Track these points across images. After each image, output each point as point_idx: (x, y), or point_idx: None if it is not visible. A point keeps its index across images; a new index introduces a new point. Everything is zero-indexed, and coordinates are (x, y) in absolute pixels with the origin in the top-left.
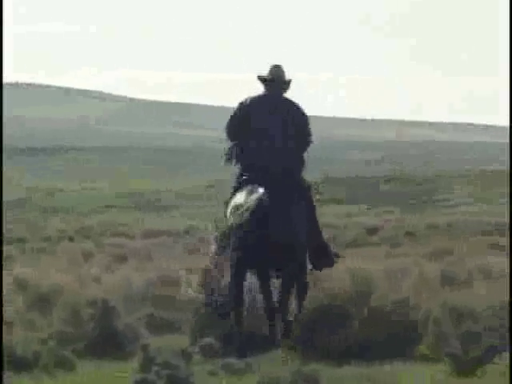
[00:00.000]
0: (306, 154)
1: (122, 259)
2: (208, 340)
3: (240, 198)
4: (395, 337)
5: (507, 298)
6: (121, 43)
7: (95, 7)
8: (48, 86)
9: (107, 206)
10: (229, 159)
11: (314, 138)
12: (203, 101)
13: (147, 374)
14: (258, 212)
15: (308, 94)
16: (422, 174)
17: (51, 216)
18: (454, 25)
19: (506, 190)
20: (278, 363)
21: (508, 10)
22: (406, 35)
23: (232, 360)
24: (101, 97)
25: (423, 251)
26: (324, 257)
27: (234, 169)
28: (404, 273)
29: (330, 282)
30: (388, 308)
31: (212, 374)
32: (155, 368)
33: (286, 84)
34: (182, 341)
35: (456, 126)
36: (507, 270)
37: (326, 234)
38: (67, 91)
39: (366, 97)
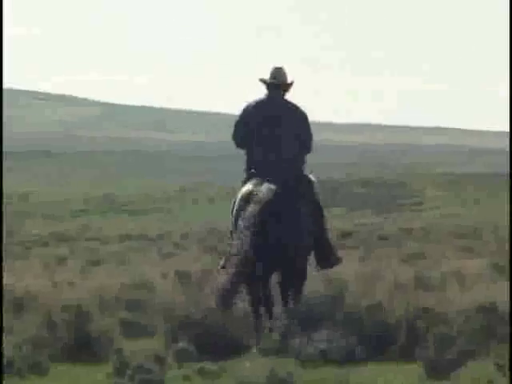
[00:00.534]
0: (306, 152)
1: (96, 263)
2: (182, 344)
3: (248, 187)
4: (369, 340)
5: (480, 301)
6: (95, 47)
7: (70, 10)
8: (23, 91)
9: (81, 211)
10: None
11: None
12: (177, 105)
13: (121, 379)
14: (271, 203)
15: None
16: (396, 178)
17: (26, 220)
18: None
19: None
20: (252, 367)
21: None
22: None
23: (206, 364)
24: (75, 101)
25: (397, 255)
26: (329, 256)
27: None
28: (378, 276)
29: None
30: (362, 311)
31: (186, 378)
32: (129, 372)
33: (287, 86)
34: (156, 345)
35: (428, 131)
36: (482, 272)
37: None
38: (43, 96)
39: (342, 101)
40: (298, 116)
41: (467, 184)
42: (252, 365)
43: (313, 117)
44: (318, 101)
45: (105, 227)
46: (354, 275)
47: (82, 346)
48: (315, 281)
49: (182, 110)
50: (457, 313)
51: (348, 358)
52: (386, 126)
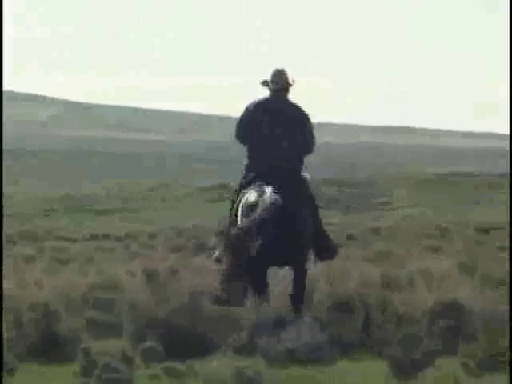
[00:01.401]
0: (308, 153)
1: (64, 263)
2: (149, 343)
3: (251, 197)
4: (336, 340)
5: (447, 301)
6: (60, 46)
7: (38, 10)
8: None
9: (48, 210)
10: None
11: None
12: (146, 105)
13: (88, 378)
14: (274, 210)
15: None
16: (362, 177)
17: None
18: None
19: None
20: (220, 366)
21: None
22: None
23: (174, 363)
24: (41, 100)
25: (364, 254)
26: (326, 248)
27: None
28: (345, 276)
29: (272, 285)
30: (330, 311)
31: (153, 377)
32: (96, 372)
33: (289, 87)
34: (123, 344)
35: (397, 130)
36: (449, 272)
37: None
38: (6, 95)
39: (307, 100)
40: (299, 117)
41: (435, 184)
42: (219, 364)
43: None
44: None
45: (72, 227)
46: (321, 274)
47: (49, 346)
48: (283, 281)
49: (152, 110)
50: (424, 312)
51: (316, 358)
52: (354, 126)
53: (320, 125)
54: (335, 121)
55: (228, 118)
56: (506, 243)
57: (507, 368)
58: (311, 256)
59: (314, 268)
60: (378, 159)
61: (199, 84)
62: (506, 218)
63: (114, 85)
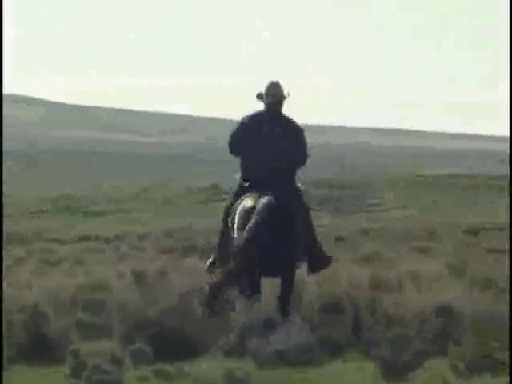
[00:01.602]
0: (300, 166)
1: (53, 264)
2: (138, 345)
3: (248, 202)
4: (325, 341)
5: (437, 303)
6: (43, 46)
7: (25, 10)
8: None
9: (37, 211)
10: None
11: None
12: (135, 106)
13: (78, 380)
14: (270, 215)
15: (234, 99)
16: (352, 179)
17: None
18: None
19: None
20: (209, 368)
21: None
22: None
23: (163, 365)
24: (30, 102)
25: (354, 256)
26: (319, 258)
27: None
28: (334, 277)
29: (262, 286)
30: (319, 312)
31: (143, 379)
32: (86, 373)
33: (283, 100)
34: (112, 346)
35: (385, 132)
36: (438, 273)
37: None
38: None
39: (296, 102)
40: (293, 130)
41: (424, 186)
42: (209, 366)
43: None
44: None
45: (61, 228)
46: (311, 276)
47: (39, 347)
48: (272, 282)
49: (142, 111)
50: (413, 314)
51: (305, 359)
52: (345, 127)
53: (314, 126)
54: (325, 122)
55: (218, 120)
56: (495, 245)
57: (498, 369)
58: (303, 266)
59: (307, 277)
60: (369, 161)
61: (188, 85)
62: (495, 220)
63: (103, 86)
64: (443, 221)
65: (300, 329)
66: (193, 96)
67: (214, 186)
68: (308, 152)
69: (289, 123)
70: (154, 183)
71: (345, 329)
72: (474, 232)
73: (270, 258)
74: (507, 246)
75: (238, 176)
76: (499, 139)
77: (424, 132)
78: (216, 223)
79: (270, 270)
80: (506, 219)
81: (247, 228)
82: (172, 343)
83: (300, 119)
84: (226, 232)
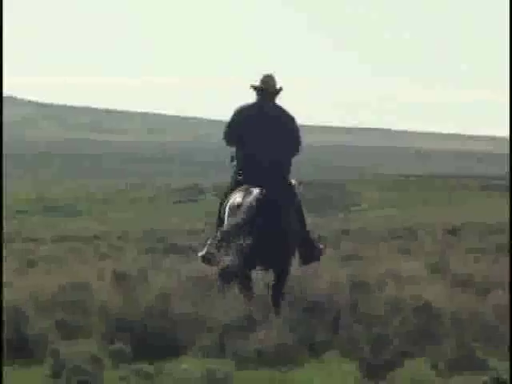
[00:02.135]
0: (294, 155)
1: (33, 264)
2: (118, 345)
3: (238, 197)
4: (305, 341)
5: (417, 302)
6: (31, 48)
7: (4, 9)
8: None
9: (17, 212)
10: (232, 161)
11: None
12: (113, 105)
13: (58, 380)
14: (258, 210)
15: (219, 98)
16: (333, 179)
17: None
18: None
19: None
20: (189, 367)
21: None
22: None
23: (143, 365)
24: (11, 101)
25: (334, 256)
26: (311, 251)
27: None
28: (315, 277)
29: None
30: (299, 312)
31: (123, 379)
32: (66, 374)
33: (276, 92)
34: (92, 346)
35: (365, 132)
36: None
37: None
38: None
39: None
40: (286, 120)
41: (404, 186)
42: (189, 365)
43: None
44: None
45: (41, 228)
46: (291, 276)
47: (19, 348)
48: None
49: (119, 111)
50: (393, 313)
51: (285, 359)
52: (323, 127)
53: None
54: (308, 123)
55: (199, 119)
56: (474, 244)
57: (478, 368)
58: (294, 259)
59: (299, 270)
60: (350, 161)
61: (170, 84)
62: (475, 219)
63: (85, 85)
64: (423, 220)
65: (280, 328)
66: (175, 96)
67: (194, 186)
68: (301, 141)
69: (281, 113)
70: (134, 183)
71: (325, 328)
72: (454, 231)
73: (261, 252)
74: (486, 246)
75: (233, 165)
76: (479, 138)
77: (405, 132)
78: (196, 223)
79: (263, 262)
80: (473, 219)
81: (230, 225)
82: (152, 343)
83: None
84: (220, 225)
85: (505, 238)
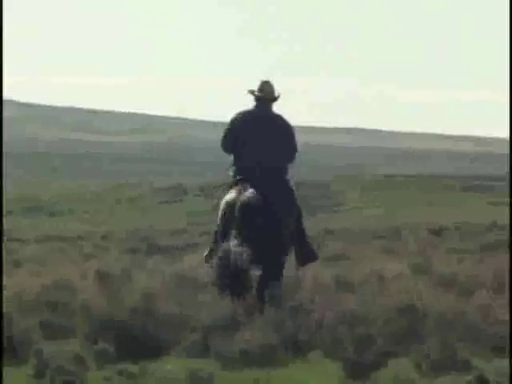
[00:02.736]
0: (290, 162)
1: (17, 264)
2: (102, 345)
3: (231, 195)
4: (290, 341)
5: (401, 303)
6: (18, 48)
7: None
8: None
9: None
10: (230, 168)
11: (298, 147)
12: (102, 105)
13: (41, 380)
14: (251, 207)
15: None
16: (316, 179)
17: None
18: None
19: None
20: (173, 368)
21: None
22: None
23: (127, 365)
24: None
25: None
26: (307, 254)
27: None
28: (298, 277)
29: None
30: (283, 312)
31: (107, 379)
32: (49, 374)
33: (274, 99)
34: (76, 346)
35: (349, 131)
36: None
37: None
38: None
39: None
40: (283, 127)
41: (388, 185)
42: (173, 366)
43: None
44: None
45: (25, 228)
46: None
47: (2, 348)
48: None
49: (106, 111)
50: (377, 313)
51: (269, 359)
52: (306, 127)
53: None
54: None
55: (184, 119)
56: (458, 244)
57: (462, 368)
58: (291, 261)
59: (294, 273)
60: (333, 161)
61: (155, 84)
62: (459, 219)
63: (69, 85)
64: (407, 220)
65: (265, 328)
66: (156, 95)
67: (178, 186)
68: (297, 148)
69: (278, 120)
70: (118, 183)
71: (309, 328)
72: (438, 231)
73: (255, 251)
74: (470, 246)
75: (230, 173)
76: (466, 139)
77: (392, 132)
78: (180, 223)
79: (256, 261)
80: (458, 219)
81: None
82: (136, 343)
83: None
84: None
85: (488, 238)
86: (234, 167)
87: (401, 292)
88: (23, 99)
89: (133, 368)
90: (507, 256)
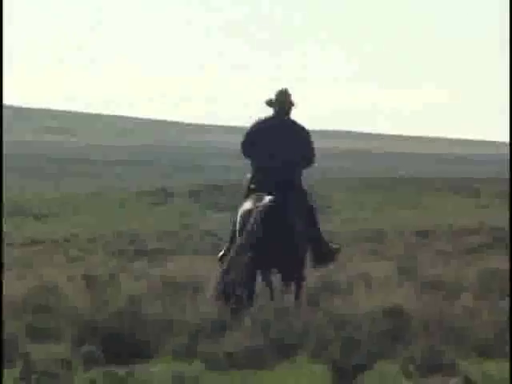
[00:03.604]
0: (308, 166)
1: (3, 267)
2: (89, 348)
3: (248, 204)
4: (276, 344)
5: (387, 304)
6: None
7: None
8: None
9: None
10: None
11: (316, 153)
12: (82, 108)
13: (27, 383)
14: (267, 216)
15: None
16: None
17: None
18: None
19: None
20: (160, 371)
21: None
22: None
23: (113, 368)
24: None
25: None
26: (325, 253)
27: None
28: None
29: (208, 289)
30: (269, 315)
31: (93, 382)
32: (35, 376)
33: (291, 106)
34: (62, 349)
35: (334, 135)
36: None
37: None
38: None
39: (239, 105)
40: (301, 134)
41: (374, 188)
42: (159, 368)
43: (214, 121)
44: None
45: (10, 231)
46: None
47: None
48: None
49: (88, 114)
50: (363, 316)
51: (255, 362)
52: None
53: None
54: None
55: (163, 122)
56: (444, 246)
57: (448, 371)
58: (307, 265)
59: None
60: (319, 163)
61: (133, 87)
62: (444, 221)
63: (47, 87)
64: (393, 222)
65: (251, 331)
66: (141, 98)
67: (164, 189)
68: (315, 154)
69: (296, 127)
70: (103, 186)
71: (295, 331)
72: (424, 233)
73: (269, 258)
74: (456, 247)
75: (248, 176)
76: (453, 141)
77: (369, 134)
78: (166, 226)
79: (272, 265)
80: (456, 221)
81: (244, 234)
82: (122, 346)
83: (245, 121)
84: (233, 231)
85: (474, 240)
86: (251, 170)
87: (387, 294)
88: (8, 102)
89: (119, 371)
90: (493, 258)
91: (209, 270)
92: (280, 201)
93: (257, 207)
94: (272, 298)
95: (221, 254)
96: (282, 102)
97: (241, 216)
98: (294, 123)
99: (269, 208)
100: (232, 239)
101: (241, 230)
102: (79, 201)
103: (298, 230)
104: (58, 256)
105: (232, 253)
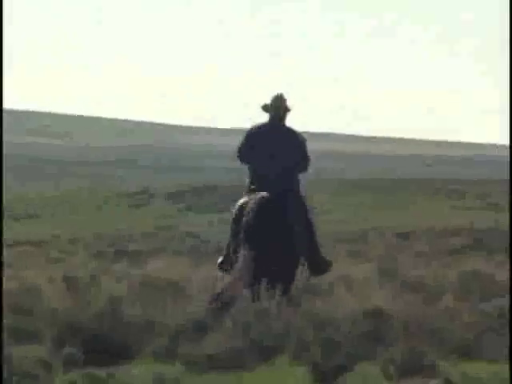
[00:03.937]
0: (304, 171)
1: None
2: (69, 350)
3: (244, 199)
4: (256, 345)
5: (367, 306)
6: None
7: None
8: None
9: None
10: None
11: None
12: (66, 110)
13: None
14: (262, 207)
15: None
16: None
17: None
18: None
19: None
20: (140, 372)
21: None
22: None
23: (93, 370)
24: None
25: None
26: (318, 263)
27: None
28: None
29: (191, 290)
30: (250, 316)
31: (73, 383)
32: (15, 378)
33: (286, 112)
34: (42, 351)
35: (316, 137)
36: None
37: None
38: None
39: (231, 106)
40: (296, 140)
41: (354, 189)
42: (139, 370)
43: (199, 122)
44: (214, 106)
45: None
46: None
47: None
48: (205, 286)
49: (67, 115)
50: (344, 317)
51: (236, 364)
52: None
53: (241, 130)
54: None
55: (150, 124)
56: (425, 247)
57: (428, 372)
58: (303, 271)
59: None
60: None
61: (119, 89)
62: (425, 223)
63: (33, 89)
64: (374, 224)
65: (231, 333)
66: (124, 100)
67: (145, 190)
68: (310, 159)
69: (291, 133)
70: (84, 187)
71: (276, 332)
72: (405, 235)
73: (269, 258)
74: (437, 249)
75: (247, 181)
76: (427, 143)
77: (351, 136)
78: (147, 227)
79: (268, 272)
80: (437, 222)
81: (242, 227)
82: (103, 347)
83: (228, 123)
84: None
85: (455, 241)
86: (249, 175)
87: (368, 296)
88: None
89: (100, 373)
90: (474, 259)
91: (189, 272)
92: (279, 197)
93: (251, 199)
94: (254, 300)
95: (220, 260)
96: (278, 108)
97: (236, 210)
98: (287, 129)
99: (263, 199)
100: (231, 242)
101: (236, 219)
102: (60, 201)
103: (297, 230)
104: (39, 257)
105: (232, 246)
